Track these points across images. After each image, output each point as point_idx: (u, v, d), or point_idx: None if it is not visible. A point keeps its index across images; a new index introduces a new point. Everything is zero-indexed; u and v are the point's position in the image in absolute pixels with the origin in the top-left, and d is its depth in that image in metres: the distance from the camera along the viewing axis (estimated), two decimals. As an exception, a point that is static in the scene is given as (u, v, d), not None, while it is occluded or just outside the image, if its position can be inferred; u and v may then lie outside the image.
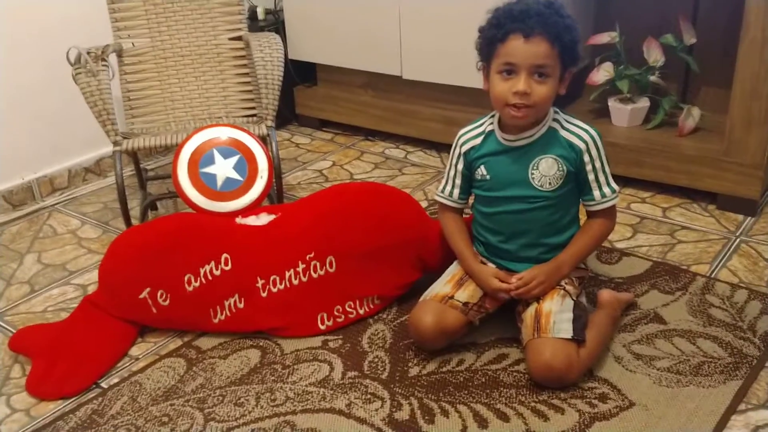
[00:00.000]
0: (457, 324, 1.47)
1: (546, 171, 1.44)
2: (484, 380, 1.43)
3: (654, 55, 2.13)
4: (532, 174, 1.44)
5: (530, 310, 1.44)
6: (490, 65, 1.41)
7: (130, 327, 1.63)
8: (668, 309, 1.61)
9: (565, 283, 1.47)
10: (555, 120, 1.45)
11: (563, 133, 1.44)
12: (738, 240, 1.88)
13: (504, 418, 1.33)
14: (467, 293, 1.49)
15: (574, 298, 1.45)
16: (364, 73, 2.62)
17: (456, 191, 1.58)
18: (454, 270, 1.55)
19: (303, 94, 2.83)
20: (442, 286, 1.52)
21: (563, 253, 1.47)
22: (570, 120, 1.46)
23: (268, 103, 1.99)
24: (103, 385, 1.50)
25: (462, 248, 1.55)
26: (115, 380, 1.51)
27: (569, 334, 1.38)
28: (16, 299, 1.84)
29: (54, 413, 1.43)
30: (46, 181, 2.40)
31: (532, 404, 1.36)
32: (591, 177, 1.45)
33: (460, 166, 1.55)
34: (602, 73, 2.18)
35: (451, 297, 1.48)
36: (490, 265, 1.53)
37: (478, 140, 1.51)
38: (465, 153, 1.53)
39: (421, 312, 1.47)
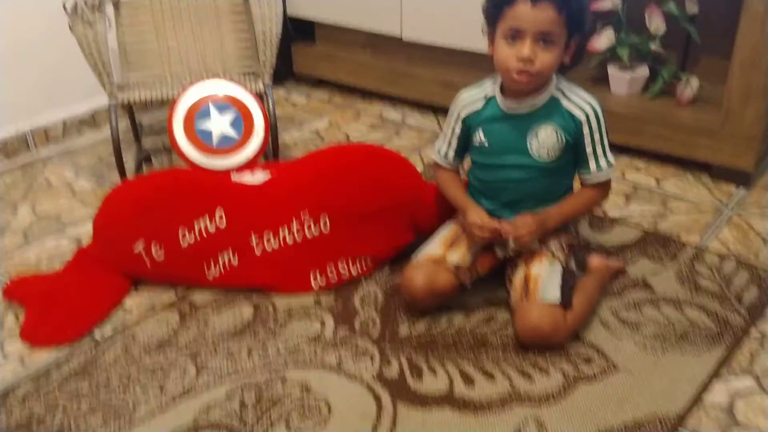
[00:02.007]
0: (449, 285, 1.49)
1: (544, 140, 1.44)
2: (472, 341, 1.45)
3: (655, 23, 2.12)
4: (531, 143, 1.45)
5: (519, 274, 1.46)
6: (496, 30, 1.39)
7: (123, 279, 1.64)
8: (657, 277, 1.63)
9: (555, 249, 1.48)
10: (558, 89, 1.44)
11: (565, 102, 1.44)
12: (730, 211, 1.90)
13: (490, 377, 1.36)
14: (459, 255, 1.50)
15: (563, 264, 1.47)
16: (364, 32, 2.59)
17: (451, 153, 1.58)
18: (445, 232, 1.56)
19: (301, 52, 2.81)
20: (434, 247, 1.53)
21: (551, 208, 1.48)
22: (573, 90, 1.45)
23: (265, 60, 1.98)
24: (97, 335, 1.52)
25: (456, 193, 1.55)
26: (109, 331, 1.53)
27: (556, 298, 1.40)
28: (10, 249, 1.84)
29: (48, 361, 1.45)
30: (40, 132, 2.39)
31: (518, 365, 1.38)
32: (588, 149, 1.45)
33: (458, 130, 1.55)
34: (603, 40, 2.17)
35: (443, 259, 1.49)
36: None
37: (479, 104, 1.50)
38: (464, 118, 1.52)
39: (413, 273, 1.48)
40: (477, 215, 1.47)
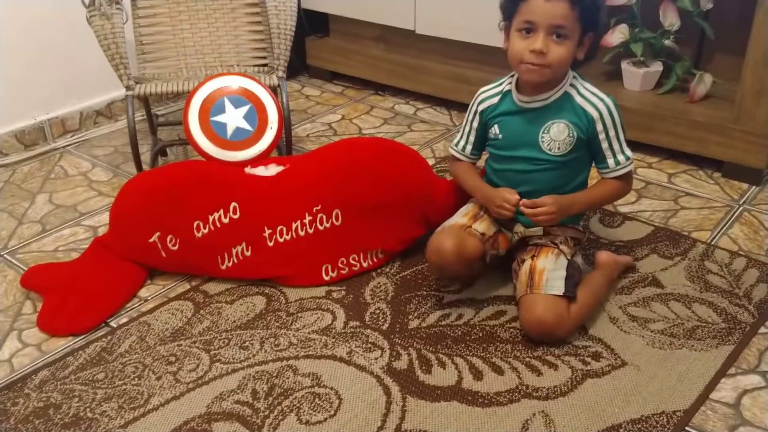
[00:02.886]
0: (476, 251, 1.49)
1: (556, 136, 1.45)
2: (481, 335, 1.47)
3: (670, 18, 2.11)
4: (543, 137, 1.46)
5: (525, 267, 1.47)
6: (511, 23, 1.43)
7: (139, 269, 1.67)
8: (666, 273, 1.63)
9: (560, 243, 1.50)
10: (572, 85, 1.46)
11: (578, 99, 1.45)
12: (741, 208, 1.90)
13: (498, 371, 1.37)
14: (484, 226, 1.52)
15: (569, 258, 1.48)
16: (377, 26, 2.60)
17: (469, 147, 1.61)
18: (469, 207, 1.58)
19: (314, 45, 2.82)
20: (459, 218, 1.54)
21: (577, 194, 1.50)
22: (587, 86, 1.47)
23: (279, 53, 1.99)
24: (113, 324, 1.55)
25: (475, 183, 1.57)
26: (124, 320, 1.55)
27: (561, 291, 1.41)
28: (27, 238, 1.88)
29: (64, 349, 1.48)
30: (57, 122, 2.42)
31: (527, 359, 1.40)
32: (605, 145, 1.47)
33: (475, 124, 1.58)
34: (617, 35, 2.17)
35: (470, 226, 1.51)
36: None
37: (495, 99, 1.53)
38: (481, 111, 1.55)
39: (442, 236, 1.48)
40: (500, 192, 1.48)
